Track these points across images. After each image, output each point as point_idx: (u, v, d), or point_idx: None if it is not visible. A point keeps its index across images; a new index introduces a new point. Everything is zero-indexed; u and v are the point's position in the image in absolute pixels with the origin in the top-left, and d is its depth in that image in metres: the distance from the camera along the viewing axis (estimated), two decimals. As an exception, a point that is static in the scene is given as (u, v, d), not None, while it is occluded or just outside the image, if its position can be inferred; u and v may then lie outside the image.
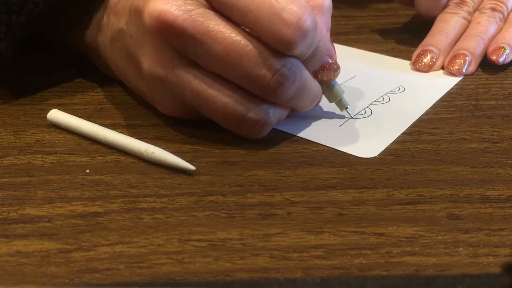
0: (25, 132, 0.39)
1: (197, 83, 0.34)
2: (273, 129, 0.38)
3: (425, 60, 0.47)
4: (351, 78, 0.45)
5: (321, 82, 0.38)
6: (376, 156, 0.36)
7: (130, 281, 0.27)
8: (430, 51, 0.47)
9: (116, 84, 0.45)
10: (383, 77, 0.45)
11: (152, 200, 0.32)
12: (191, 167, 0.34)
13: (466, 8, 0.49)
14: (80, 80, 0.45)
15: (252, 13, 0.32)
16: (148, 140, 0.37)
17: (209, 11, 0.33)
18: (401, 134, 0.38)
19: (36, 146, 0.37)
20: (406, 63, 0.48)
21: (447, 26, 0.48)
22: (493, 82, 0.45)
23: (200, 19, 0.33)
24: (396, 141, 0.38)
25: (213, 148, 0.37)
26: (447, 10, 0.50)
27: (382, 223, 0.31)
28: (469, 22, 0.49)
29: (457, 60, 0.46)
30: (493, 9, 0.48)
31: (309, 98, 0.37)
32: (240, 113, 0.35)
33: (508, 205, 0.32)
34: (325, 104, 0.40)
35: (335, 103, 0.40)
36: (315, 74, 0.37)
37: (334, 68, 0.37)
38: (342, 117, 0.40)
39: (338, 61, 0.38)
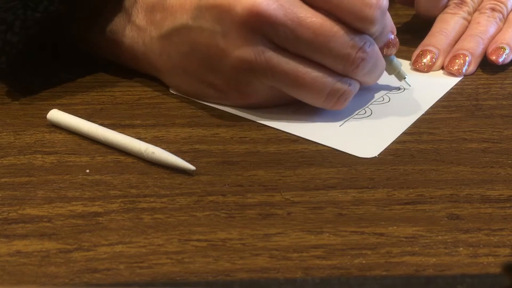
0: (25, 132, 0.39)
1: (285, 62, 0.37)
2: (273, 128, 0.39)
3: (425, 60, 0.47)
4: None
5: (383, 57, 0.40)
6: (376, 156, 0.36)
7: (130, 281, 0.27)
8: (430, 51, 0.47)
9: (116, 84, 0.45)
10: (383, 77, 0.45)
11: (152, 200, 0.32)
12: (191, 167, 0.34)
13: (466, 8, 0.49)
14: (80, 80, 0.45)
15: None
16: (148, 140, 0.37)
17: (295, 0, 0.36)
18: (401, 134, 0.38)
19: (36, 146, 0.37)
20: (406, 63, 0.48)
21: (447, 26, 0.48)
22: (493, 82, 0.45)
23: (289, 7, 0.36)
24: (396, 141, 0.38)
25: (213, 148, 0.37)
26: (447, 10, 0.50)
27: (382, 223, 0.31)
28: (469, 22, 0.49)
29: (457, 60, 0.46)
30: (493, 9, 0.48)
31: (379, 72, 0.41)
32: (329, 84, 0.38)
33: (508, 205, 0.32)
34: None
35: (394, 75, 0.43)
36: (380, 50, 0.40)
37: (396, 43, 0.41)
38: (341, 117, 0.40)
39: None
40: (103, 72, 0.46)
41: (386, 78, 0.45)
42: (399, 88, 0.44)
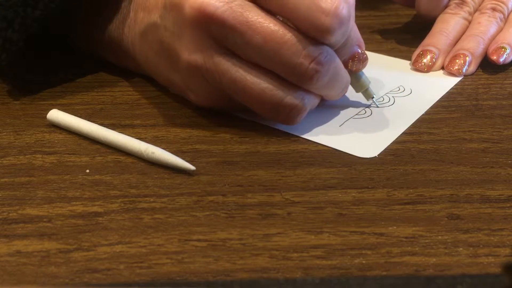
0: (25, 132, 0.39)
1: (235, 70, 0.35)
2: (273, 128, 0.38)
3: (425, 60, 0.46)
4: None
5: (349, 72, 0.39)
6: (376, 156, 0.36)
7: (130, 281, 0.27)
8: (430, 51, 0.47)
9: (116, 84, 0.45)
10: (383, 77, 0.45)
11: (152, 200, 0.32)
12: (191, 167, 0.34)
13: (466, 8, 0.49)
14: (80, 80, 0.45)
15: (290, 2, 0.34)
16: (148, 140, 0.37)
17: (248, 3, 0.35)
18: (401, 134, 0.38)
19: (36, 146, 0.37)
20: (406, 63, 0.48)
21: (447, 26, 0.48)
22: (493, 82, 0.45)
23: (239, 10, 0.34)
24: (396, 141, 0.38)
25: (213, 148, 0.37)
26: (447, 10, 0.50)
27: (382, 223, 0.31)
28: (470, 22, 0.49)
29: (457, 60, 0.46)
30: (494, 9, 0.48)
31: (340, 87, 0.38)
32: (277, 98, 0.36)
33: (508, 205, 0.32)
34: (327, 103, 0.40)
35: (362, 92, 0.41)
36: (345, 64, 0.38)
37: (363, 58, 0.39)
38: (342, 117, 0.40)
39: None
40: (103, 72, 0.46)
41: (386, 78, 0.45)
42: (399, 88, 0.44)
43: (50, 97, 0.43)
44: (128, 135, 0.37)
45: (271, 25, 0.34)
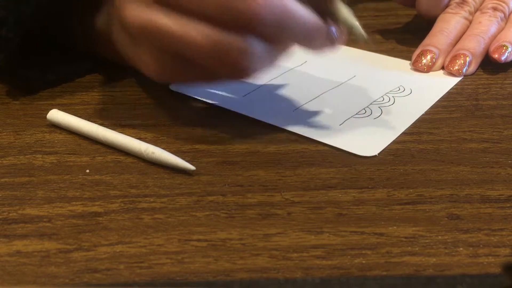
0: (25, 132, 0.39)
1: (173, 23, 0.33)
2: (273, 126, 0.38)
3: (424, 60, 0.46)
4: (351, 78, 0.45)
5: (330, 11, 0.35)
6: (376, 156, 0.36)
7: (130, 281, 0.27)
8: (430, 51, 0.47)
9: (116, 84, 0.45)
10: (383, 77, 0.45)
11: (152, 200, 0.32)
12: (191, 167, 0.34)
13: (467, 8, 0.49)
14: (80, 80, 0.45)
15: None
16: (148, 140, 0.37)
17: None
18: (401, 134, 0.38)
19: (36, 146, 0.37)
20: (406, 63, 0.48)
21: (448, 26, 0.48)
22: (493, 82, 0.45)
23: None
24: (396, 141, 0.38)
25: (213, 148, 0.37)
26: (448, 10, 0.50)
27: (382, 223, 0.31)
28: (470, 22, 0.49)
29: (457, 61, 0.46)
30: (495, 9, 0.48)
31: (303, 32, 0.34)
32: (222, 42, 0.33)
33: (508, 205, 0.32)
34: (327, 103, 0.41)
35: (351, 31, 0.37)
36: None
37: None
38: (342, 116, 0.40)
39: (336, 63, 0.38)
40: (103, 72, 0.46)
41: (386, 78, 0.45)
42: (399, 88, 0.44)
43: (50, 97, 0.43)
44: (128, 135, 0.37)
45: None
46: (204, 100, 0.42)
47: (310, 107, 0.40)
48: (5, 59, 0.40)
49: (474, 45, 0.46)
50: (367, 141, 0.38)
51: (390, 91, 0.44)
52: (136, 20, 0.34)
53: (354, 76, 0.46)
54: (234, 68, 0.34)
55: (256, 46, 0.34)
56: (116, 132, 0.37)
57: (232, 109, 0.41)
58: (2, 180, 0.34)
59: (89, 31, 0.44)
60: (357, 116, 0.40)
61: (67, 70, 0.45)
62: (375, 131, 0.39)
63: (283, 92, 0.43)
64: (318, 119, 0.40)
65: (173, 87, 0.43)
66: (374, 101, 0.42)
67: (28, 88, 0.43)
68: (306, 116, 0.40)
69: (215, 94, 0.43)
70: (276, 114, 0.40)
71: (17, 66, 0.42)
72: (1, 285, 0.27)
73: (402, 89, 0.44)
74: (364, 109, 0.41)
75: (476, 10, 0.49)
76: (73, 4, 0.43)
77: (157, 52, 0.35)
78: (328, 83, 0.44)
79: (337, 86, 0.44)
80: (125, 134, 0.37)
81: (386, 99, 0.43)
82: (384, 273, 0.27)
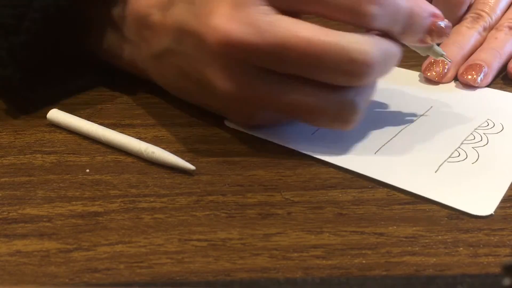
0: (25, 132, 0.39)
1: (276, 91, 0.33)
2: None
3: (437, 69, 0.45)
4: (428, 110, 0.41)
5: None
6: (492, 214, 0.31)
7: (130, 281, 0.27)
8: (442, 61, 0.45)
9: (116, 84, 0.45)
10: (464, 108, 0.40)
11: (152, 200, 0.32)
12: (191, 167, 0.34)
13: (483, 23, 0.48)
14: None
15: None
16: (148, 140, 0.37)
17: (273, 15, 0.32)
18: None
19: (36, 146, 0.37)
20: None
21: (462, 39, 0.47)
22: None
23: (267, 27, 0.31)
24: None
25: (213, 148, 0.37)
26: (463, 23, 0.48)
27: (382, 223, 0.31)
28: (484, 39, 0.48)
29: (472, 70, 0.44)
30: (511, 28, 0.47)
31: (393, 65, 0.34)
32: (329, 108, 0.33)
33: (508, 205, 0.32)
34: (411, 143, 0.37)
35: (430, 53, 0.37)
36: (423, 41, 0.35)
37: (442, 30, 0.35)
38: (435, 160, 0.35)
39: (403, 89, 0.37)
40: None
41: (467, 109, 0.41)
42: (487, 123, 0.39)
43: (50, 97, 0.43)
44: (128, 135, 0.37)
45: (305, 35, 0.31)
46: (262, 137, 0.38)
47: (392, 149, 0.36)
48: (19, 74, 0.38)
49: (490, 58, 0.45)
50: (477, 195, 0.32)
51: (479, 126, 0.39)
52: (235, 90, 0.33)
53: (431, 107, 0.41)
54: (342, 125, 0.35)
55: (362, 98, 0.34)
56: (116, 132, 0.37)
57: (303, 151, 0.36)
58: (2, 180, 0.34)
59: (94, 48, 0.43)
60: (451, 160, 0.35)
61: (78, 84, 0.44)
62: (480, 181, 0.33)
63: (354, 131, 0.36)
64: (405, 164, 0.35)
65: (228, 124, 0.39)
66: (465, 140, 0.37)
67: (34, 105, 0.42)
68: (389, 160, 0.35)
69: (284, 134, 0.38)
70: (354, 158, 0.35)
71: (24, 89, 0.40)
72: (1, 285, 0.27)
73: (491, 124, 0.39)
74: (456, 150, 0.36)
75: (492, 27, 0.48)
76: (69, 25, 0.41)
77: (251, 110, 0.36)
78: (404, 116, 0.39)
79: (416, 119, 0.39)
80: (125, 134, 0.37)
81: (478, 137, 0.38)
82: (384, 273, 0.27)
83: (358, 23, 0.33)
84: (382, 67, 0.33)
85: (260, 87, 0.33)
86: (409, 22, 0.33)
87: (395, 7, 0.33)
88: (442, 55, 0.37)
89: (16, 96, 0.39)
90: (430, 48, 0.36)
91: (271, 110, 0.35)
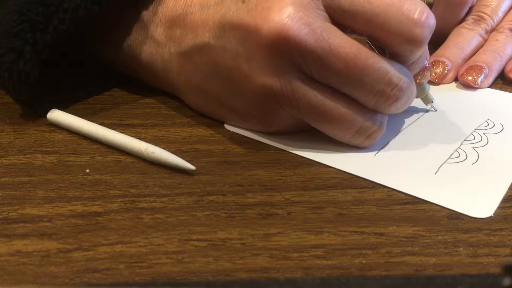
0: (25, 132, 0.39)
1: (313, 95, 0.34)
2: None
3: (437, 70, 0.45)
4: (428, 110, 0.41)
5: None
6: (492, 216, 0.31)
7: (130, 281, 0.27)
8: (443, 62, 0.45)
9: (116, 84, 0.45)
10: (465, 108, 0.41)
11: (152, 200, 0.32)
12: (191, 167, 0.34)
13: (484, 25, 0.48)
14: (80, 80, 0.45)
15: (379, 17, 0.32)
16: (148, 140, 0.37)
17: (329, 24, 0.33)
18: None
19: (36, 146, 0.37)
20: (486, 91, 0.44)
21: (463, 40, 0.47)
22: None
23: (321, 33, 0.33)
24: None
25: (213, 148, 0.37)
26: (464, 24, 0.49)
27: (382, 223, 0.31)
28: (485, 41, 0.48)
29: (473, 71, 0.44)
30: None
31: (410, 102, 0.36)
32: (357, 122, 0.35)
33: (508, 205, 0.32)
34: (410, 143, 0.37)
35: (421, 98, 0.40)
36: (415, 78, 0.37)
37: (430, 71, 0.39)
38: (434, 161, 0.35)
39: None
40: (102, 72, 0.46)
41: (468, 109, 0.41)
42: (487, 123, 0.40)
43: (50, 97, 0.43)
44: (128, 135, 0.37)
45: (354, 50, 0.33)
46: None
47: (392, 150, 0.36)
48: (27, 93, 0.38)
49: (491, 60, 0.45)
50: (476, 197, 0.32)
51: (479, 126, 0.39)
52: (274, 86, 0.34)
53: (431, 107, 0.41)
54: (362, 144, 0.36)
55: (384, 122, 0.36)
56: (116, 132, 0.37)
57: (303, 154, 0.36)
58: (2, 179, 0.34)
59: (111, 53, 0.43)
60: (451, 161, 0.35)
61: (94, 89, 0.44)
62: (480, 183, 0.34)
63: None
64: (405, 166, 0.35)
65: (229, 127, 0.39)
66: (464, 141, 0.38)
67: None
68: (389, 162, 0.35)
69: (284, 138, 0.38)
70: (354, 160, 0.35)
71: (41, 95, 0.40)
72: (1, 285, 0.27)
73: (491, 124, 0.40)
74: (456, 151, 0.36)
75: (493, 29, 0.48)
76: (91, 27, 0.41)
77: (282, 114, 0.36)
78: (404, 117, 0.40)
79: (416, 120, 0.40)
80: (125, 134, 0.37)
81: (478, 137, 0.38)
82: (384, 273, 0.27)
83: (404, 50, 0.34)
84: (411, 97, 0.36)
85: (300, 88, 0.34)
86: (421, 55, 0.36)
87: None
88: (432, 102, 0.40)
89: (25, 93, 0.38)
90: (419, 87, 0.39)
91: (302, 115, 0.35)
